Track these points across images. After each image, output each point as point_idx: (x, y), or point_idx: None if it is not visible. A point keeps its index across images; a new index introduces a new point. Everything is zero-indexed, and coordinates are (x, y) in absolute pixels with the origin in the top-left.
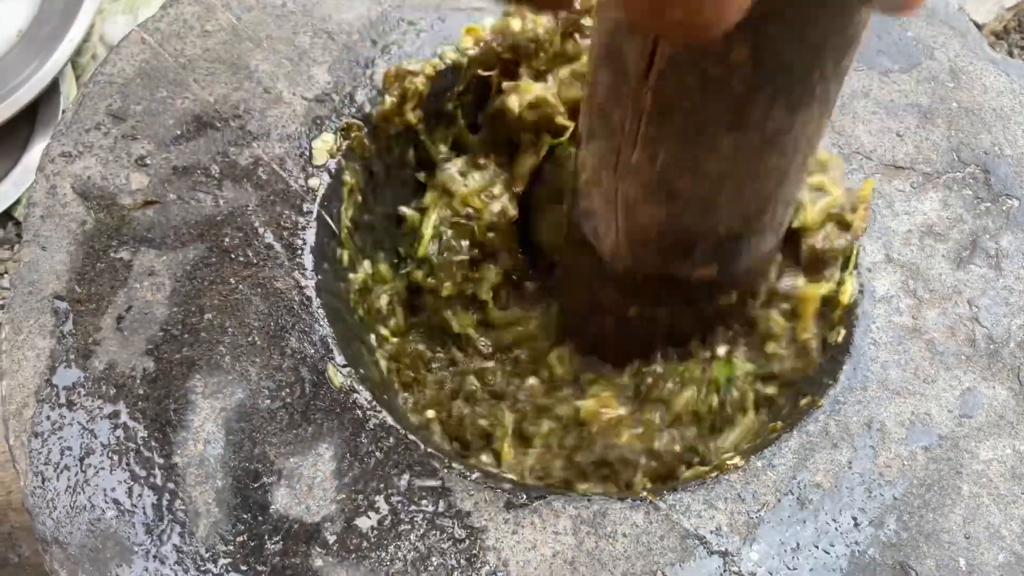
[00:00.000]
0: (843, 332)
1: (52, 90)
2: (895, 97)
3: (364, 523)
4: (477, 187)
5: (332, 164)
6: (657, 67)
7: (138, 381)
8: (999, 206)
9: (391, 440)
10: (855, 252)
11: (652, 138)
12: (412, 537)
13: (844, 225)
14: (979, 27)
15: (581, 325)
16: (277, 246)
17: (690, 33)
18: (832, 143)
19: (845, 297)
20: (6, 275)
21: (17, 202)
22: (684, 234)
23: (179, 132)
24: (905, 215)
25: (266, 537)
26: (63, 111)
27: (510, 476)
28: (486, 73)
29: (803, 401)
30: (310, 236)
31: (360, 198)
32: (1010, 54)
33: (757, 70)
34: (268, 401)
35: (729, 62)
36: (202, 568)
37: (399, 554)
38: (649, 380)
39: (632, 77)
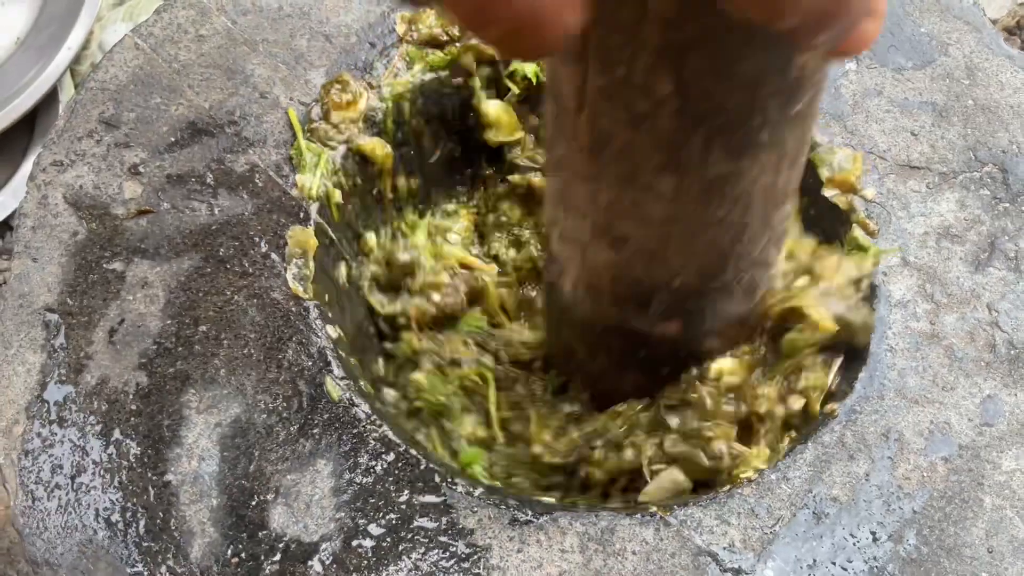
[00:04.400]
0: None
1: (51, 98)
2: (909, 95)
3: (363, 542)
4: None
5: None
6: (589, 99)
7: (131, 396)
8: (1018, 206)
9: (391, 455)
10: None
11: (593, 176)
12: (413, 556)
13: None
14: (992, 22)
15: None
16: (274, 255)
17: (518, 38)
18: (845, 142)
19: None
20: (4, 285)
21: (15, 211)
22: (637, 284)
23: (173, 139)
24: (921, 217)
25: (263, 557)
26: None
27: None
28: None
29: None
30: None
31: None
32: (1022, 49)
33: (685, 106)
34: (264, 416)
35: (654, 96)
36: None
37: (400, 574)
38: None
39: (569, 111)
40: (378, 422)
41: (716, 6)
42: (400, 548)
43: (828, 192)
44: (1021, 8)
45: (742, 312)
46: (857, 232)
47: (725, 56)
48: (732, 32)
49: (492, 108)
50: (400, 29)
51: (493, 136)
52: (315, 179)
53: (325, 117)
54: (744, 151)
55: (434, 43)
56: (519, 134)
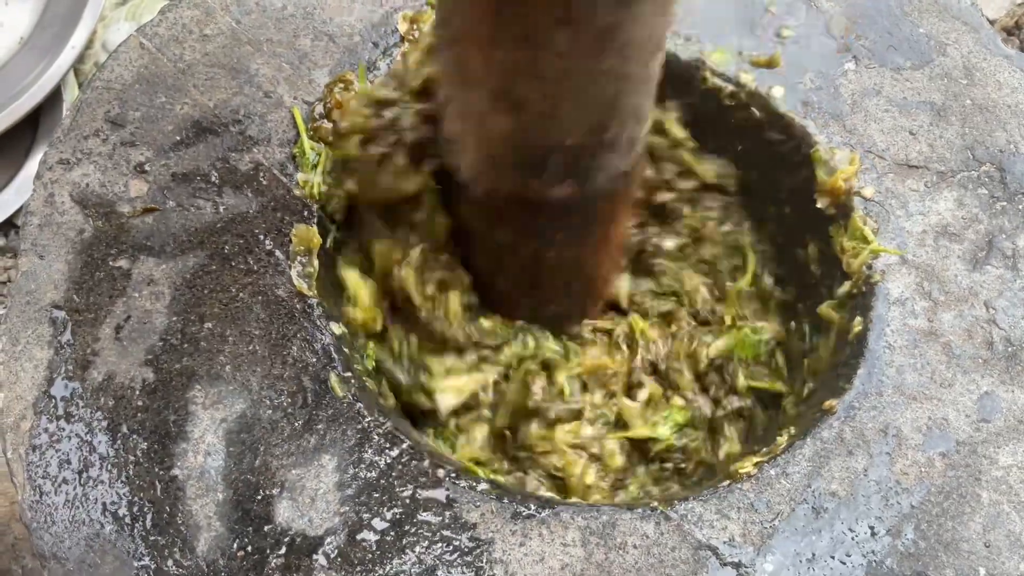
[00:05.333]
0: None
1: (54, 98)
2: (908, 95)
3: (368, 536)
4: None
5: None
6: None
7: (137, 392)
8: (1015, 205)
9: (395, 451)
10: None
11: (491, 40)
12: (417, 549)
13: None
14: (990, 23)
15: (476, 275)
16: (278, 253)
17: None
18: (844, 142)
19: None
20: (9, 283)
21: (20, 210)
22: (534, 147)
23: (179, 138)
24: (919, 215)
25: (268, 551)
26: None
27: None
28: None
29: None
30: None
31: None
32: (1022, 49)
33: None
34: (270, 411)
35: None
36: None
37: (404, 567)
38: None
39: None
40: (382, 418)
41: None
42: (404, 542)
43: (820, 203)
44: (1020, 8)
45: (628, 165)
46: (858, 222)
47: None
48: None
49: None
50: (402, 28)
51: None
52: (317, 177)
53: (328, 116)
54: None
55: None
56: None
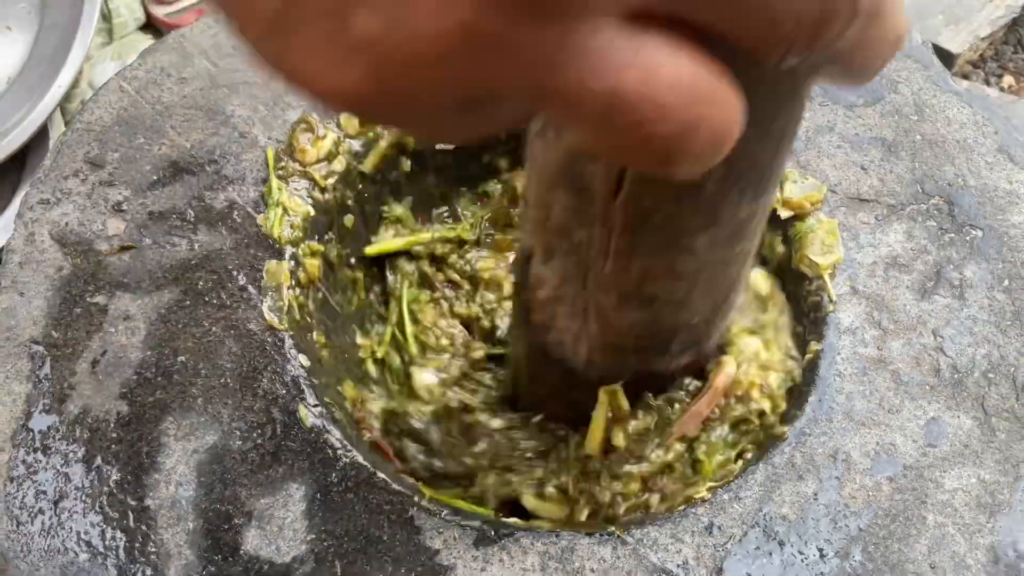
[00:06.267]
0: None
1: (41, 136)
2: (860, 131)
3: (334, 563)
4: None
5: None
6: (627, 189)
7: (112, 424)
8: (963, 236)
9: (360, 479)
10: None
11: (624, 251)
12: (381, 575)
13: None
14: (955, 57)
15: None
16: (251, 288)
17: (680, 167)
18: (798, 177)
19: None
20: None
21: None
22: (662, 333)
23: (156, 178)
24: (870, 247)
25: None
26: None
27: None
28: None
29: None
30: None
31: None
32: (987, 83)
33: (729, 170)
34: (240, 442)
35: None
36: None
37: None
38: None
39: (598, 197)
40: (348, 448)
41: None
42: (369, 568)
43: (783, 213)
44: (984, 43)
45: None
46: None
47: (767, 114)
48: (773, 84)
49: None
50: None
51: None
52: (276, 216)
53: (291, 156)
54: (767, 192)
55: None
56: None
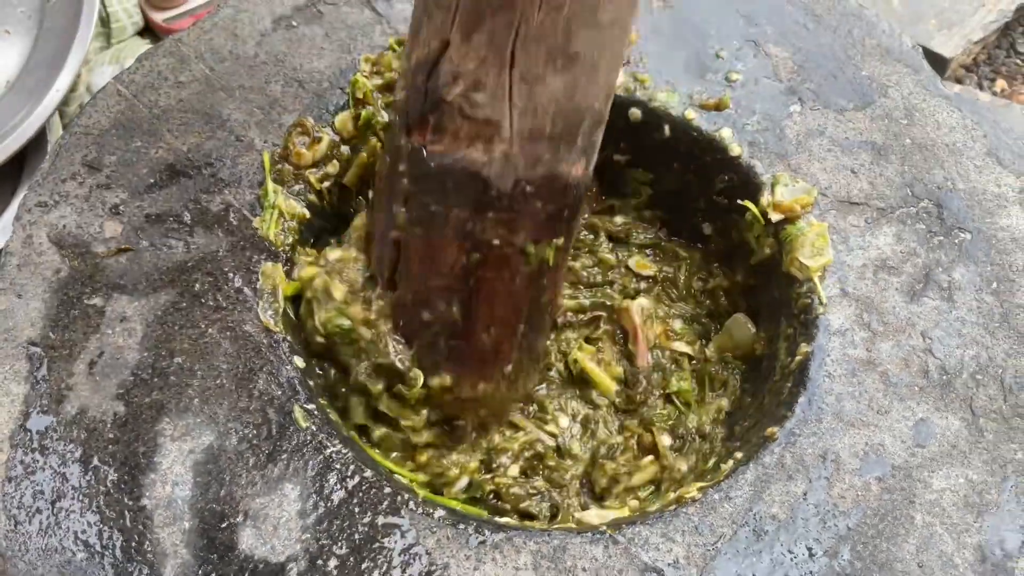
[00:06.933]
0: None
1: (39, 140)
2: (850, 135)
3: (328, 562)
4: None
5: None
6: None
7: (108, 425)
8: (952, 239)
9: (356, 479)
10: None
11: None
12: (375, 575)
13: None
14: (948, 61)
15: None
16: (246, 290)
17: None
18: (789, 180)
19: None
20: None
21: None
22: (575, 112)
23: (152, 181)
24: (860, 250)
25: None
26: None
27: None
28: None
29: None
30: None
31: None
32: (980, 86)
33: None
34: (235, 442)
35: None
36: None
37: None
38: None
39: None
40: (344, 449)
41: None
42: (363, 567)
43: (774, 216)
44: (977, 47)
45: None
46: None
47: None
48: None
49: None
50: (365, 68)
51: None
52: (272, 219)
53: (285, 159)
54: None
55: (390, 88)
56: None
